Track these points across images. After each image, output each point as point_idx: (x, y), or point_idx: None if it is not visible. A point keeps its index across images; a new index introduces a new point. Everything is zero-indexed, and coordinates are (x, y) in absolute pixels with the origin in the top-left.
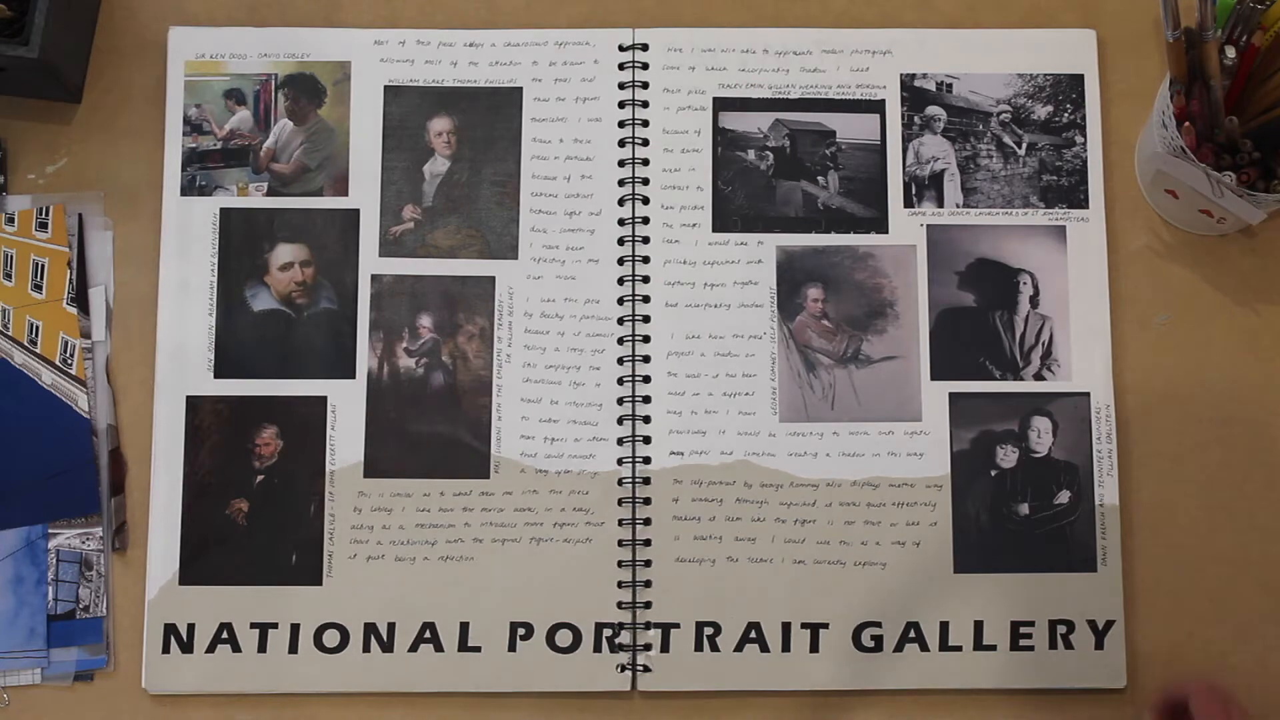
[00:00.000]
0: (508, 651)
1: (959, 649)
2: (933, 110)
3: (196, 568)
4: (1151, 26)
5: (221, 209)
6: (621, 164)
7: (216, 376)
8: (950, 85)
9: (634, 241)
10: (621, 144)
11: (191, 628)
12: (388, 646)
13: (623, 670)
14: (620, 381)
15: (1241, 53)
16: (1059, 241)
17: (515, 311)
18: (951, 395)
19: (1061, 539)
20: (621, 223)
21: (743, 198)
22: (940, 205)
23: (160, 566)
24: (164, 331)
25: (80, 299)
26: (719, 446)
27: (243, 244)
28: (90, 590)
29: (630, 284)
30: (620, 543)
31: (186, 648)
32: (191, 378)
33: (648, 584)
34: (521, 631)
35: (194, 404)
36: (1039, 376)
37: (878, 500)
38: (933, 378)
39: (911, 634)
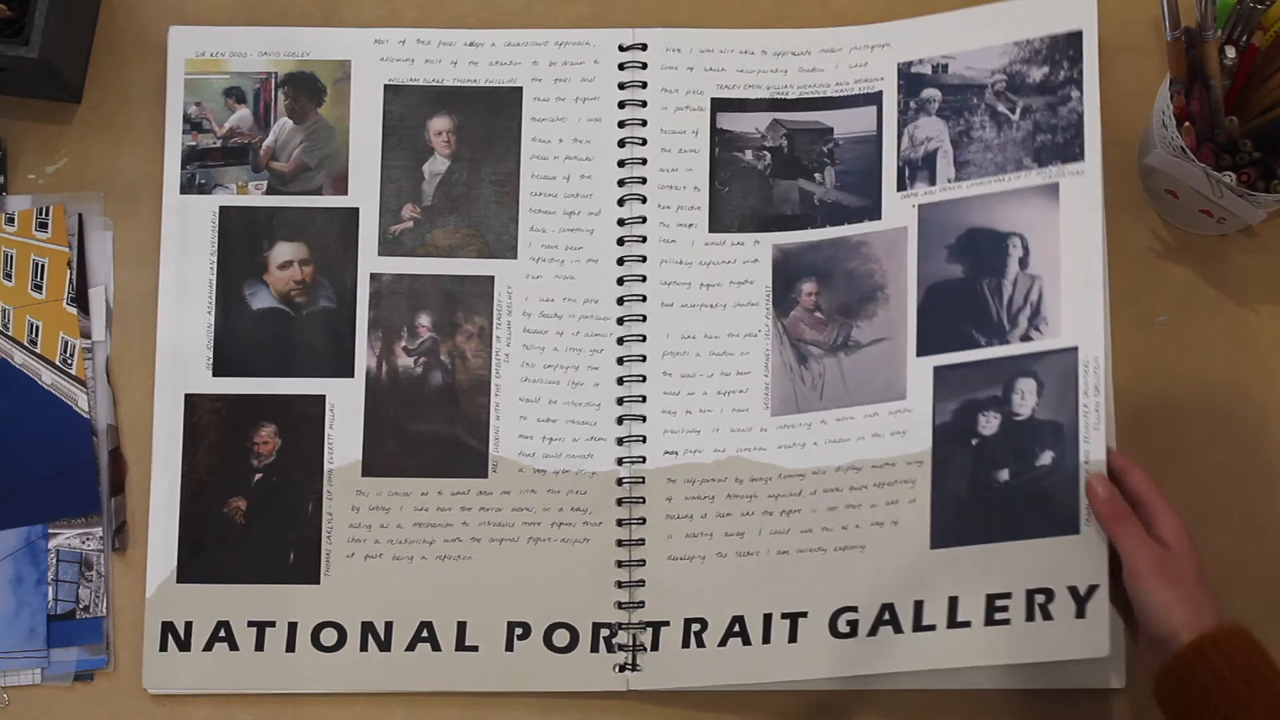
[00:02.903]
0: (505, 651)
1: (932, 628)
2: (928, 92)
3: (194, 566)
4: (1151, 26)
5: (221, 207)
6: (621, 164)
7: (215, 375)
8: (946, 65)
9: (632, 241)
10: (621, 144)
11: (189, 626)
12: (385, 645)
13: (620, 670)
14: (619, 381)
15: (1241, 53)
16: (1051, 200)
17: (514, 311)
18: (936, 369)
19: (1042, 501)
20: (621, 223)
21: (739, 198)
22: (932, 183)
23: (159, 564)
24: (164, 330)
25: (80, 299)
26: (713, 445)
27: (242, 242)
28: (90, 590)
29: (629, 284)
30: (619, 543)
31: (184, 646)
32: (190, 376)
33: (641, 583)
34: (519, 631)
35: (192, 402)
36: (1026, 337)
37: (860, 483)
38: (919, 354)
39: (886, 616)
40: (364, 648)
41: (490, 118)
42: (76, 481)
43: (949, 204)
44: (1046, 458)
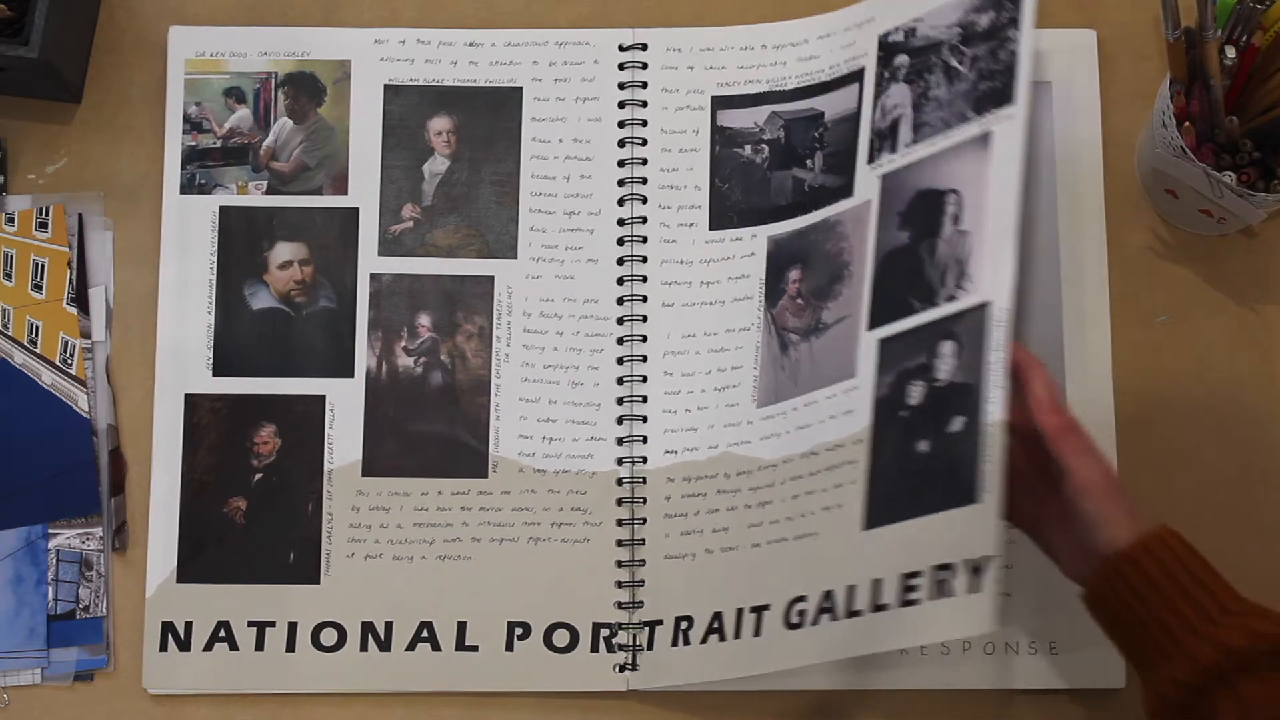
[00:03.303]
0: (505, 651)
1: (859, 614)
2: (899, 59)
3: (194, 566)
4: (1151, 26)
5: (221, 207)
6: (621, 164)
7: (215, 375)
8: (915, 29)
9: (633, 241)
10: (621, 144)
11: (189, 626)
12: (385, 645)
13: (620, 670)
14: (620, 381)
15: (1241, 53)
16: (984, 149)
17: (514, 311)
18: (880, 342)
19: (952, 471)
20: (621, 223)
21: (739, 194)
22: (894, 151)
23: (159, 564)
24: (164, 330)
25: (80, 299)
26: (708, 441)
27: (242, 242)
28: (90, 590)
29: (629, 284)
30: (619, 543)
31: (184, 645)
32: (190, 376)
33: (641, 583)
34: (519, 631)
35: (192, 402)
36: (951, 297)
37: (815, 468)
38: (869, 328)
39: (826, 604)
40: (364, 648)
41: (490, 118)
42: (76, 481)
43: (904, 170)
44: (958, 424)
